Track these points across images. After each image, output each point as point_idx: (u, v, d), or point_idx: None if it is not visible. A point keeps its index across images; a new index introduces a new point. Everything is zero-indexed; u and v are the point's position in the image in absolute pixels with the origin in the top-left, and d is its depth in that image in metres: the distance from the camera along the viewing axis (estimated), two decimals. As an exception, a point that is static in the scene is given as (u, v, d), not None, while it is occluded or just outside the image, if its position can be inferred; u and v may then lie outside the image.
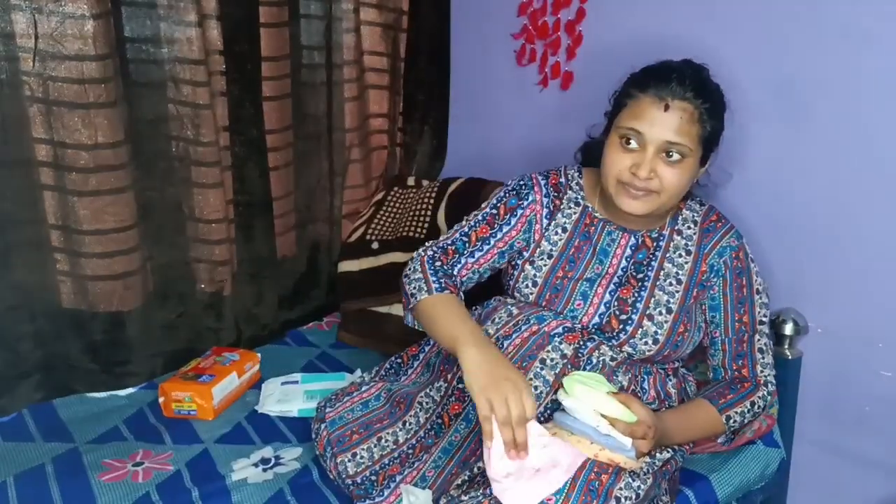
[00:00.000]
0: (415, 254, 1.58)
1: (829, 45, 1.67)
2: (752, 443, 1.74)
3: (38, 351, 1.85)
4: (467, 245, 1.57)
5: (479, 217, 1.60)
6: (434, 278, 1.49)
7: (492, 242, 1.57)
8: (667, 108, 1.39)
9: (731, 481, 1.66)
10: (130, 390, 1.95)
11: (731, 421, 1.49)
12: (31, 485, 1.57)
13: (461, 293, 1.52)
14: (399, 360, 1.70)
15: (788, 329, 1.79)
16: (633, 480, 1.32)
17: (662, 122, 1.39)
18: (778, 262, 1.82)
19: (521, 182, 1.60)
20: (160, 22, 1.86)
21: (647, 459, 1.41)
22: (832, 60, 1.68)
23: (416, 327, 1.53)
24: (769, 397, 1.53)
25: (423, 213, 2.32)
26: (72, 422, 1.80)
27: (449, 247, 1.57)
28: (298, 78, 2.17)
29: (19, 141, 1.73)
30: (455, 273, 1.56)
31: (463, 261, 1.56)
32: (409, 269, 1.55)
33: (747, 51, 1.79)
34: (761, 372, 1.53)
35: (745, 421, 1.52)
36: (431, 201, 2.32)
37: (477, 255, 1.57)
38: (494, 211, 1.59)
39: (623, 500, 1.29)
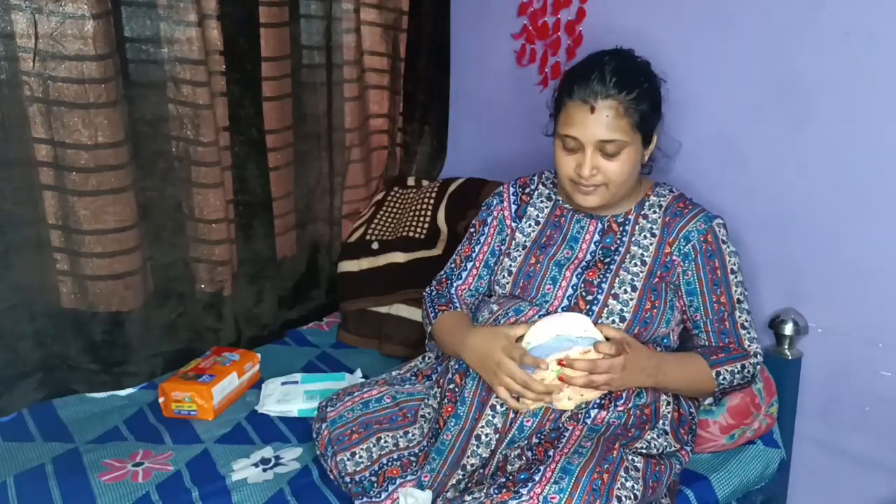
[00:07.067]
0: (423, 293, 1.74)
1: (831, 45, 1.67)
2: (752, 443, 1.75)
3: (38, 351, 1.85)
4: (455, 269, 1.71)
5: (464, 240, 1.73)
6: (431, 309, 1.66)
7: (474, 257, 1.69)
8: (593, 110, 1.44)
9: (731, 481, 1.66)
10: (130, 390, 1.95)
11: (721, 378, 1.50)
12: (31, 485, 1.57)
13: (463, 306, 1.66)
14: (413, 378, 1.71)
15: (788, 329, 1.79)
16: (628, 481, 1.34)
17: (592, 123, 1.44)
18: (778, 261, 1.82)
19: (492, 196, 1.72)
20: (160, 22, 1.86)
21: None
22: (833, 60, 1.67)
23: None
24: (758, 366, 1.56)
25: (423, 213, 2.32)
26: (72, 422, 1.80)
27: (443, 277, 1.73)
28: (298, 78, 2.17)
29: (19, 141, 1.73)
30: (453, 293, 1.68)
31: (455, 284, 1.69)
32: (422, 309, 1.71)
33: (748, 51, 1.79)
34: (749, 345, 1.56)
35: (735, 383, 1.53)
36: (431, 201, 2.32)
37: (464, 275, 1.69)
38: (472, 230, 1.72)
39: (623, 499, 1.31)
